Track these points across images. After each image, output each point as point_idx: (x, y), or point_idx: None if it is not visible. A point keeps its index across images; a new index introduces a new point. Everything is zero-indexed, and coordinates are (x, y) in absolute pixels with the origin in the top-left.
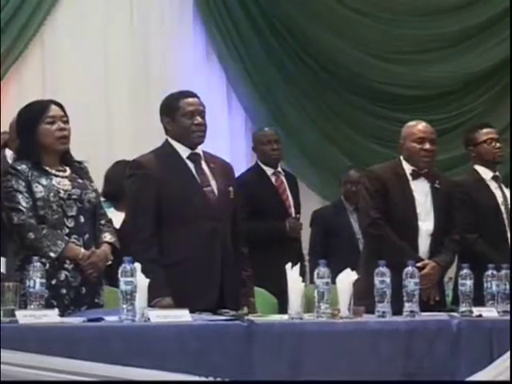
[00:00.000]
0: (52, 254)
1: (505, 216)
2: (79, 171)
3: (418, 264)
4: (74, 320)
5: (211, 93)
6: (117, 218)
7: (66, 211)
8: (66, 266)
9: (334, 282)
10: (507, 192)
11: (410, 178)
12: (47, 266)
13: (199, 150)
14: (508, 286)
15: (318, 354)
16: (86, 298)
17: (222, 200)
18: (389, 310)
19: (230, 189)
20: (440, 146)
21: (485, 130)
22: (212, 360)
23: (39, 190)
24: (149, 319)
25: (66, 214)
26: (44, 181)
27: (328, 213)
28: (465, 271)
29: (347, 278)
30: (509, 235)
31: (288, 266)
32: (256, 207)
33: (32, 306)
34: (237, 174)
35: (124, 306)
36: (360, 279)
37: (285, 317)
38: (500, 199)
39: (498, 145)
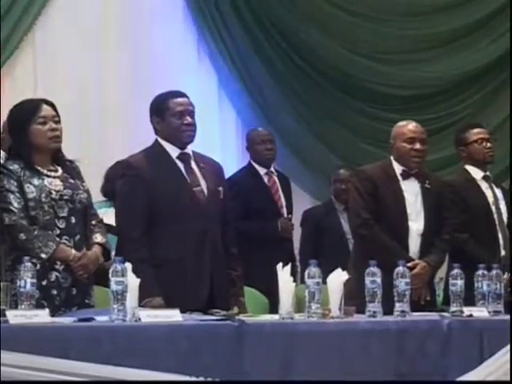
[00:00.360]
0: (43, 255)
1: (495, 216)
2: (71, 171)
3: (409, 264)
4: (65, 320)
5: (202, 93)
6: None
7: (58, 212)
8: (57, 267)
9: (324, 282)
10: (498, 192)
11: (400, 178)
12: (38, 266)
13: (189, 149)
14: (499, 286)
15: (308, 354)
16: (76, 299)
17: (212, 200)
18: (380, 310)
19: (220, 189)
20: (431, 145)
21: (475, 130)
22: (203, 360)
23: (31, 191)
24: (139, 319)
25: (57, 215)
26: (36, 181)
27: (318, 213)
28: (455, 271)
29: (338, 278)
30: (500, 235)
31: (279, 266)
32: (248, 207)
33: (23, 306)
34: (227, 175)
35: (115, 306)
36: (351, 279)
37: (276, 317)
38: (491, 199)
39: (488, 145)
